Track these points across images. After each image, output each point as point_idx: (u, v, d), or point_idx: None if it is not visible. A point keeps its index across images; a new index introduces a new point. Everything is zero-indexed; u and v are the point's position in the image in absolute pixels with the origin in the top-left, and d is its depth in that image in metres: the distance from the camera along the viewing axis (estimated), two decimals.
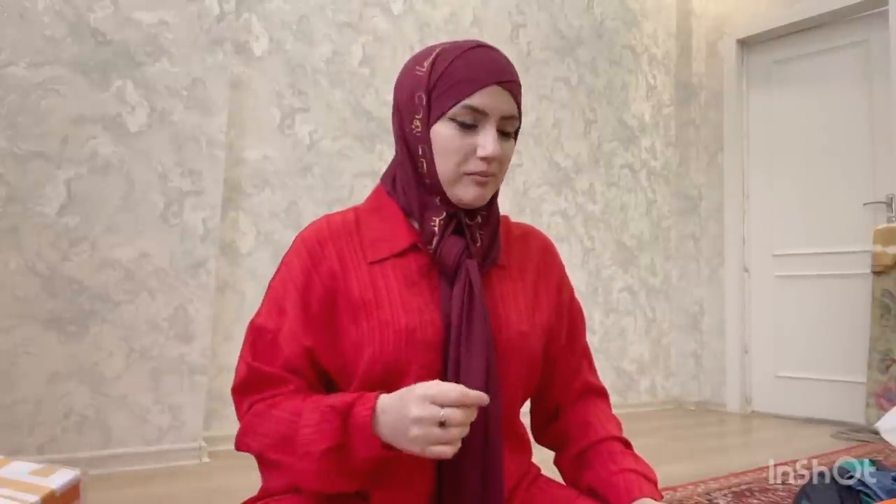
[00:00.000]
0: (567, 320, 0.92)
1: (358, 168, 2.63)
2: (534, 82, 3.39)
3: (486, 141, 0.76)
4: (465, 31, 3.08)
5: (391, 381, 0.74)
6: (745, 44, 4.06)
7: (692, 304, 4.06)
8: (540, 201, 3.38)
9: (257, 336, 0.79)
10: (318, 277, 0.78)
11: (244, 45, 2.38)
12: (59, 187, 1.86)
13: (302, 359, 0.77)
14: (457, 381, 0.74)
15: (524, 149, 3.33)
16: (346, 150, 2.62)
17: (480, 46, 0.79)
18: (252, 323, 0.81)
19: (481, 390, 0.74)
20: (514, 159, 3.25)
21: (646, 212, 3.97)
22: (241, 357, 0.81)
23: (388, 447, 0.69)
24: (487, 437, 0.76)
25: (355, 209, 0.85)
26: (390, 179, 0.84)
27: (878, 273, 3.05)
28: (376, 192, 0.86)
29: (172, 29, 2.09)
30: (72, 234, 1.88)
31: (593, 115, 3.70)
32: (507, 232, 0.89)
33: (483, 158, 0.76)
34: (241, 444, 0.78)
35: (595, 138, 3.70)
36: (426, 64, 0.78)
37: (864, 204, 3.46)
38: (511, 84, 0.78)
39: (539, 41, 3.44)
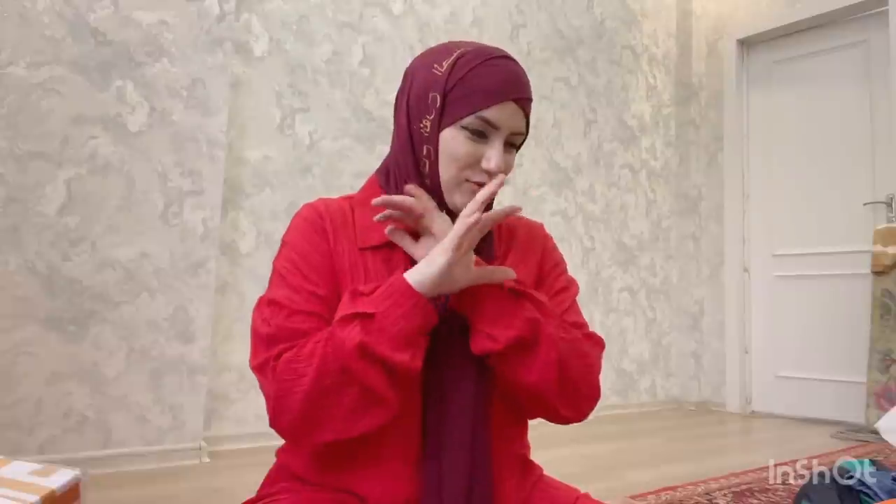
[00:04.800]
0: (545, 288, 0.87)
1: (358, 168, 2.63)
2: (534, 82, 3.34)
3: (493, 154, 0.76)
4: (465, 32, 3.08)
5: None
6: (745, 44, 4.06)
7: (692, 304, 4.06)
8: (540, 201, 3.37)
9: (264, 307, 0.76)
10: (317, 251, 0.78)
11: (244, 45, 2.38)
12: (59, 187, 1.86)
13: (312, 303, 0.75)
14: (443, 371, 0.75)
15: (524, 149, 3.32)
16: (346, 150, 2.62)
17: (503, 57, 0.78)
18: (260, 300, 0.78)
19: (471, 385, 0.76)
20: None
21: (646, 212, 3.97)
22: (252, 333, 0.76)
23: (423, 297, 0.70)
24: (476, 421, 0.76)
25: (349, 198, 0.86)
26: (384, 172, 0.85)
27: (878, 273, 3.05)
28: (369, 183, 0.87)
29: (172, 29, 2.09)
30: (72, 234, 1.88)
31: (593, 115, 3.70)
32: (496, 228, 0.89)
33: (487, 171, 0.76)
34: (277, 409, 0.69)
35: (595, 138, 3.70)
36: (445, 64, 0.77)
37: (864, 204, 3.46)
38: (525, 101, 0.78)
39: (539, 41, 3.44)
